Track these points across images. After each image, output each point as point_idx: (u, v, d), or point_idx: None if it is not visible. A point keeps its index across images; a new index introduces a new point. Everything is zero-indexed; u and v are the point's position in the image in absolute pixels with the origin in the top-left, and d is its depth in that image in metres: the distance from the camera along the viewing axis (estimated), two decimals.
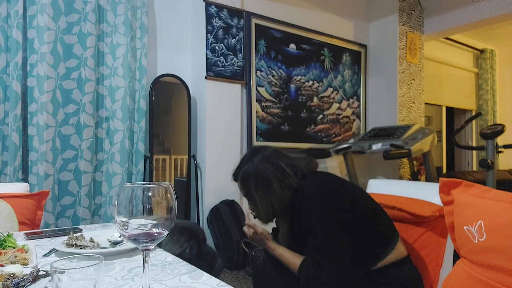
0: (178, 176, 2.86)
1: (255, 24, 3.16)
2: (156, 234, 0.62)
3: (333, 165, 3.80)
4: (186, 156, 2.81)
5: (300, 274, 1.16)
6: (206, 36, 2.82)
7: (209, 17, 2.83)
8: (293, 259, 1.21)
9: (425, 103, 4.45)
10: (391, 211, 1.36)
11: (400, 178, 4.02)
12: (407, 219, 1.34)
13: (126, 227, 0.61)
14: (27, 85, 2.22)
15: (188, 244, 1.38)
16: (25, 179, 2.23)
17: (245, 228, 1.34)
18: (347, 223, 1.17)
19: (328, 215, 1.16)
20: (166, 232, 0.63)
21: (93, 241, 1.05)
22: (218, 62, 2.88)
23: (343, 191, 1.23)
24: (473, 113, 5.91)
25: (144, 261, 0.64)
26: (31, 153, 2.19)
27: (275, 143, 3.29)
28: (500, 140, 3.15)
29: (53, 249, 1.01)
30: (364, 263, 1.19)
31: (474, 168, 5.77)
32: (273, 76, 3.30)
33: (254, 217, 1.38)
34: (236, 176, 1.37)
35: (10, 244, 0.95)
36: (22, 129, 2.18)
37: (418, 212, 1.28)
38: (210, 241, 2.76)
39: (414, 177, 4.11)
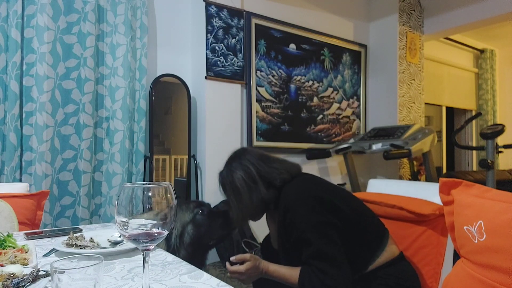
0: (178, 176, 2.86)
1: (255, 24, 3.16)
2: (156, 234, 0.62)
3: (333, 165, 3.80)
4: (186, 156, 2.81)
5: (302, 285, 1.14)
6: (206, 36, 2.82)
7: (209, 17, 2.83)
8: (290, 272, 1.19)
9: (425, 103, 4.45)
10: (391, 210, 1.36)
11: (400, 178, 4.02)
12: (407, 218, 1.34)
13: (126, 227, 0.61)
14: (25, 85, 2.22)
15: (198, 208, 1.45)
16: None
17: (231, 276, 1.28)
18: (335, 225, 1.16)
19: (316, 220, 1.15)
20: (166, 232, 0.63)
21: (93, 241, 1.05)
22: (218, 62, 2.88)
23: (324, 194, 1.22)
24: (473, 113, 5.91)
25: (144, 261, 0.64)
26: (29, 153, 2.18)
27: (275, 143, 3.29)
28: (500, 140, 3.15)
29: (53, 249, 1.00)
30: (356, 268, 1.18)
31: (474, 168, 5.77)
32: (273, 76, 3.30)
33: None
34: (219, 176, 1.41)
35: (10, 244, 0.95)
36: (20, 129, 2.18)
37: (418, 211, 1.28)
38: None
39: (414, 177, 4.11)
